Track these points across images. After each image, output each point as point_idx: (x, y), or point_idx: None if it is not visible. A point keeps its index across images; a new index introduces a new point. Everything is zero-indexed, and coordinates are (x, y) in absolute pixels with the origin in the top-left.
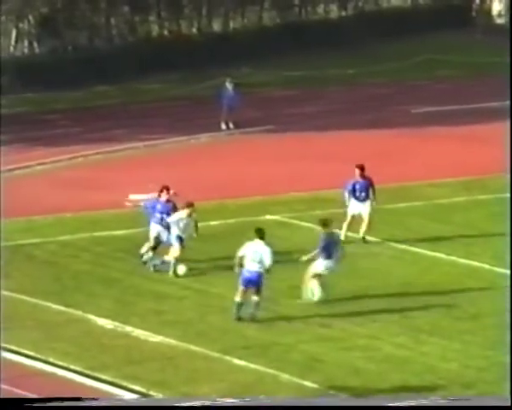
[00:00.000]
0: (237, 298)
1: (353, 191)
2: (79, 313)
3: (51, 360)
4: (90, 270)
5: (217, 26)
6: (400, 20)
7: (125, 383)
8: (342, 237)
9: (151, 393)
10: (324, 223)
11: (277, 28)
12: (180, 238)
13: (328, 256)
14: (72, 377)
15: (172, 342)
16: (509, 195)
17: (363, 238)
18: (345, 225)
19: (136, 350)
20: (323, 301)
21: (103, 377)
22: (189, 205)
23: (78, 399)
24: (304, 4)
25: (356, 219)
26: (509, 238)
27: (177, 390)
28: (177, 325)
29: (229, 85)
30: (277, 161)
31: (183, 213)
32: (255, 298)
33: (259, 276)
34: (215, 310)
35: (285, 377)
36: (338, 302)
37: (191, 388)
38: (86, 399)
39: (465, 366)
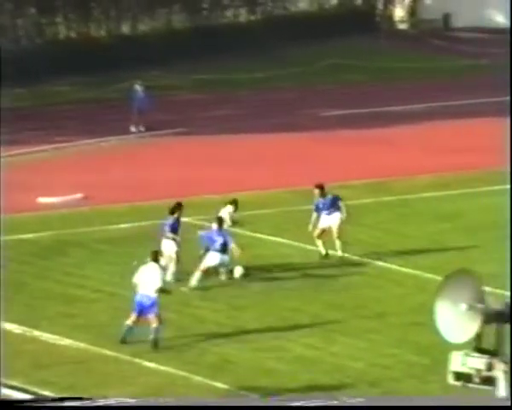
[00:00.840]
0: (128, 322)
1: (319, 210)
2: None
3: None
4: None
5: (126, 28)
6: (308, 25)
7: (35, 389)
8: (323, 252)
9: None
10: (219, 222)
11: (187, 31)
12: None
13: (220, 251)
14: None
15: (83, 345)
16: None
17: (341, 257)
18: (318, 241)
19: (46, 355)
20: (236, 304)
21: (12, 383)
22: (232, 202)
23: (77, 399)
24: (213, 8)
25: (326, 233)
26: (416, 239)
27: (88, 394)
28: (88, 328)
29: (138, 88)
30: (188, 163)
31: (226, 212)
32: (154, 325)
33: (154, 301)
34: (127, 313)
35: (197, 379)
36: (250, 304)
37: (102, 391)
38: (84, 399)
39: (371, 364)
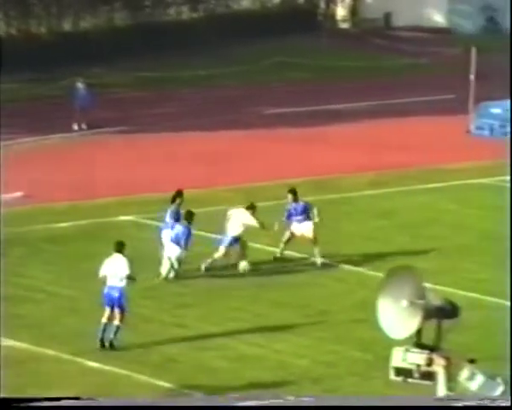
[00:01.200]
0: (103, 319)
1: (290, 216)
2: None
3: None
4: None
5: (67, 25)
6: (250, 23)
7: None
8: (279, 254)
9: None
10: (187, 217)
11: (129, 29)
12: (236, 240)
13: (174, 242)
14: None
15: (23, 345)
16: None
17: (321, 263)
18: (282, 244)
19: None
20: (180, 303)
21: None
22: (251, 207)
23: (76, 398)
24: (155, 5)
25: (298, 239)
26: (357, 237)
27: (28, 394)
28: (28, 328)
29: (80, 86)
30: (130, 161)
31: (247, 216)
32: (116, 322)
33: (121, 292)
34: (68, 312)
35: (140, 378)
36: (193, 302)
37: (43, 392)
38: (84, 399)
39: (315, 361)
